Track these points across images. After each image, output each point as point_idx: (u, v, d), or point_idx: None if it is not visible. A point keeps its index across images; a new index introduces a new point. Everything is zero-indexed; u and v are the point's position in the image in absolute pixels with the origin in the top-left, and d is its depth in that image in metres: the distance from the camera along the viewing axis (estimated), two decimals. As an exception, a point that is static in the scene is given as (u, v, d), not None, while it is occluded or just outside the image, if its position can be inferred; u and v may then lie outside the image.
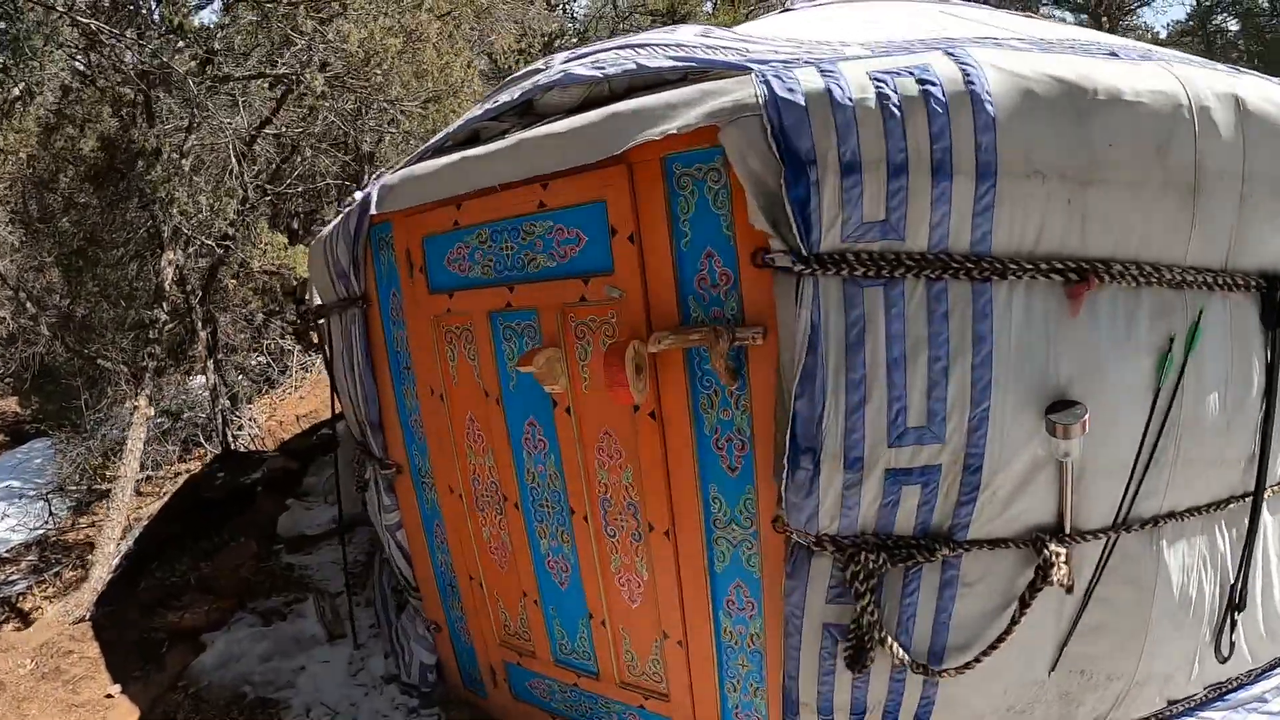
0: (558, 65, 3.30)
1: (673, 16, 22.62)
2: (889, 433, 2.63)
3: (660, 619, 3.26)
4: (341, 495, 5.21)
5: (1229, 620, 3.05)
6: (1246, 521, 2.95)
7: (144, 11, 8.05)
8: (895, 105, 2.46)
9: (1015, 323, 2.60)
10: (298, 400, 8.21)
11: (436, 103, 7.47)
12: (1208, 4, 23.24)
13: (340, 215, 4.02)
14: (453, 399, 3.60)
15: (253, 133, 7.55)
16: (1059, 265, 2.59)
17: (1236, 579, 2.99)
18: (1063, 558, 2.70)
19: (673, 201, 2.82)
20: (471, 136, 3.58)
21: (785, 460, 2.67)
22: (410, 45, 6.94)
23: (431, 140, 3.84)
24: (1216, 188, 2.62)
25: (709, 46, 2.99)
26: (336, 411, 6.74)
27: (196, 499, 6.44)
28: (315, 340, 4.78)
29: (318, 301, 5.22)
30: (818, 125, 2.47)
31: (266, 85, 7.69)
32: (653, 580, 3.22)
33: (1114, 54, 2.72)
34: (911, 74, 2.50)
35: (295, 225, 9.89)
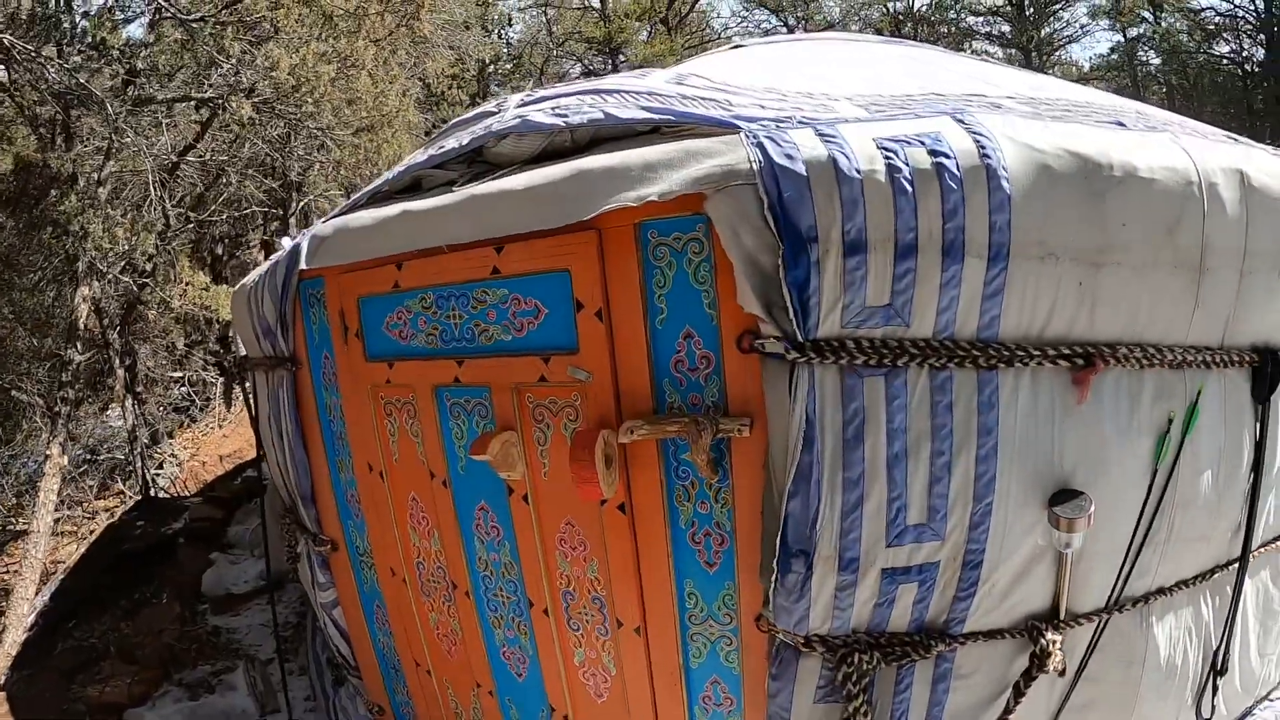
0: (513, 109, 2.73)
1: (609, 44, 22.04)
2: (887, 532, 2.21)
3: (630, 714, 2.74)
4: (269, 549, 4.50)
5: (1212, 684, 2.75)
6: (1229, 589, 2.64)
7: (66, 25, 6.98)
8: (907, 179, 2.02)
9: (1021, 412, 2.21)
10: (220, 439, 7.27)
11: (369, 132, 6.70)
12: (1133, 38, 23.98)
13: (266, 265, 3.33)
14: (393, 477, 2.99)
15: (175, 158, 6.61)
16: (1066, 350, 2.21)
17: (1219, 644, 2.69)
18: (1058, 644, 2.33)
19: (648, 274, 2.30)
20: (413, 184, 2.97)
21: (775, 563, 2.21)
22: (344, 71, 6.16)
23: (369, 186, 3.21)
24: (1220, 265, 2.29)
25: (685, 96, 2.48)
26: (262, 453, 5.92)
27: (116, 550, 5.56)
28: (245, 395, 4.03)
29: (241, 350, 4.47)
30: (821, 199, 2.01)
31: (192, 108, 6.75)
32: (621, 675, 2.70)
33: (1120, 123, 2.34)
34: (923, 144, 2.06)
35: (220, 251, 8.86)
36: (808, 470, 2.14)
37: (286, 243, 3.25)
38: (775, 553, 2.21)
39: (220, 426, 7.52)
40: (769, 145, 2.10)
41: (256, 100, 5.93)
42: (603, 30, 21.25)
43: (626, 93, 2.55)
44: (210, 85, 6.21)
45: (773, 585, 2.24)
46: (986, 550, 2.25)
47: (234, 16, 5.77)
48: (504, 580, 2.82)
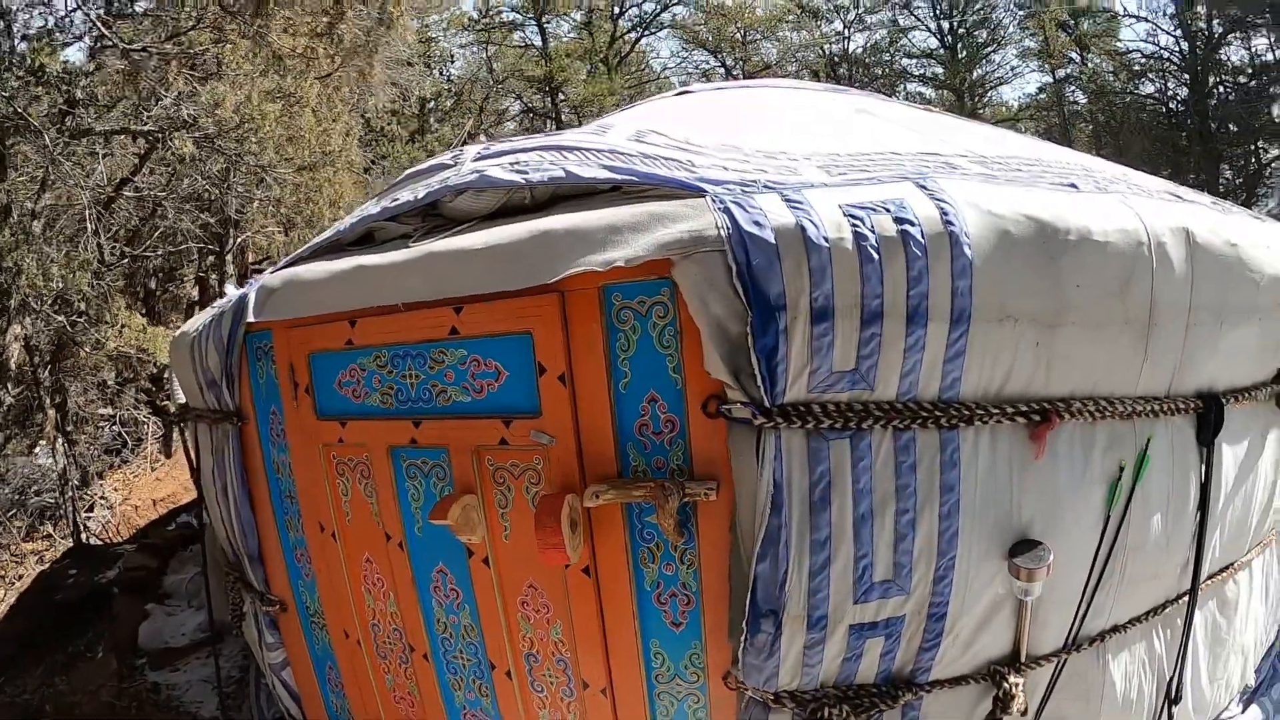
0: (469, 163, 2.65)
1: (549, 83, 21.94)
2: (854, 590, 2.21)
3: (596, 775, 2.67)
4: (211, 599, 4.29)
5: (1167, 712, 2.82)
6: (1180, 621, 2.72)
7: (4, 49, 6.57)
8: (873, 247, 2.03)
9: (981, 469, 2.24)
10: (154, 482, 6.85)
11: (310, 170, 6.48)
12: (1060, 79, 25.01)
13: (210, 314, 3.18)
14: (346, 537, 2.87)
15: (112, 191, 6.27)
16: (1024, 407, 2.24)
17: (1173, 675, 2.76)
18: (1020, 687, 2.36)
19: (611, 338, 2.26)
20: (366, 236, 2.87)
21: (744, 623, 2.18)
22: (288, 109, 5.95)
23: (320, 237, 3.09)
24: (1167, 320, 2.35)
25: (647, 156, 2.45)
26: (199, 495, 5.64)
27: (48, 601, 5.21)
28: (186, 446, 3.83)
29: (180, 397, 4.27)
30: (789, 267, 2.00)
31: (129, 140, 6.42)
32: (587, 736, 2.63)
33: (1073, 184, 2.39)
34: (888, 210, 2.07)
35: (154, 285, 8.44)
36: (776, 533, 2.12)
37: (231, 291, 3.11)
38: (744, 613, 2.18)
39: (153, 469, 7.12)
40: (736, 211, 2.08)
41: (197, 135, 5.67)
42: (543, 69, 21.23)
43: (587, 150, 2.50)
44: (150, 118, 5.90)
45: (741, 645, 2.22)
46: (950, 602, 2.26)
47: (177, 49, 5.52)
48: (464, 643, 2.73)
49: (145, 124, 5.80)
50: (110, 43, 5.44)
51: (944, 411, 2.17)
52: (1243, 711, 2.96)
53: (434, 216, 2.74)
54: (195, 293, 9.28)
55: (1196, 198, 2.78)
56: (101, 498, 6.58)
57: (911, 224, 2.07)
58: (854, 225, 2.06)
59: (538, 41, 22.89)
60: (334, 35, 5.33)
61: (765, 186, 2.23)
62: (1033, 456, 2.28)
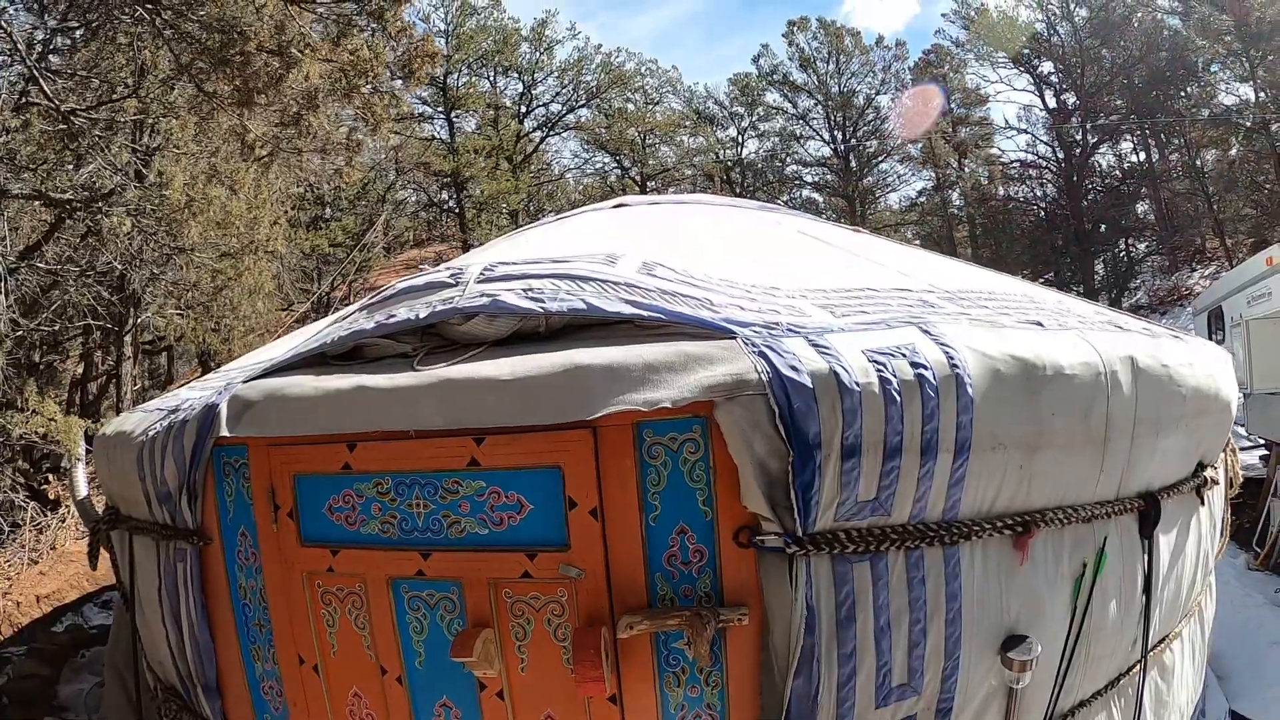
0: (474, 285, 2.64)
1: (456, 178, 21.68)
2: (875, 695, 2.44)
3: None
4: (111, 716, 3.88)
5: None
6: (1131, 690, 3.11)
7: None
8: (895, 390, 2.25)
9: (977, 577, 2.53)
10: (38, 576, 6.00)
11: (233, 258, 5.99)
12: (943, 183, 27.59)
13: (160, 419, 2.92)
14: (330, 671, 2.73)
15: (15, 261, 5.46)
16: (1010, 520, 2.54)
17: None
18: None
19: (643, 473, 2.33)
20: (353, 350, 2.76)
21: None
22: (225, 192, 5.48)
23: (302, 346, 2.93)
24: (1117, 435, 2.73)
25: (665, 292, 2.56)
26: (86, 592, 5.20)
27: (-75, 714, 4.46)
28: (100, 554, 3.46)
29: (81, 492, 3.85)
30: (825, 409, 2.19)
31: (40, 205, 5.63)
32: None
33: (1039, 323, 2.74)
34: (904, 356, 2.31)
35: (36, 359, 7.40)
36: (810, 651, 2.30)
37: (186, 394, 2.88)
38: None
39: (33, 560, 6.24)
40: (772, 356, 2.24)
41: (125, 209, 5.07)
42: (451, 163, 21.08)
43: (603, 281, 2.56)
44: (71, 186, 5.21)
45: None
46: (955, 697, 2.52)
47: (123, 118, 4.94)
48: (470, 776, 2.67)
49: (64, 191, 5.13)
50: (43, 104, 4.79)
51: (948, 530, 2.43)
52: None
53: (432, 335, 2.69)
54: (80, 369, 8.27)
55: (1130, 324, 3.24)
56: None
57: (925, 368, 2.31)
58: (879, 370, 2.27)
59: (445, 135, 22.90)
60: (301, 126, 4.99)
61: (789, 330, 2.40)
62: (1017, 562, 2.57)
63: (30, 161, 4.93)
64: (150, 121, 5.18)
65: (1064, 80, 26.25)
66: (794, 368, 2.23)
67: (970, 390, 2.36)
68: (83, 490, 3.76)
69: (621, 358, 2.29)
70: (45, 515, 6.62)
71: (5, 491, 6.45)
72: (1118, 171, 26.00)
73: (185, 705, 3.11)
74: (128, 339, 7.09)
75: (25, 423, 4.95)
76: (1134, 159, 25.99)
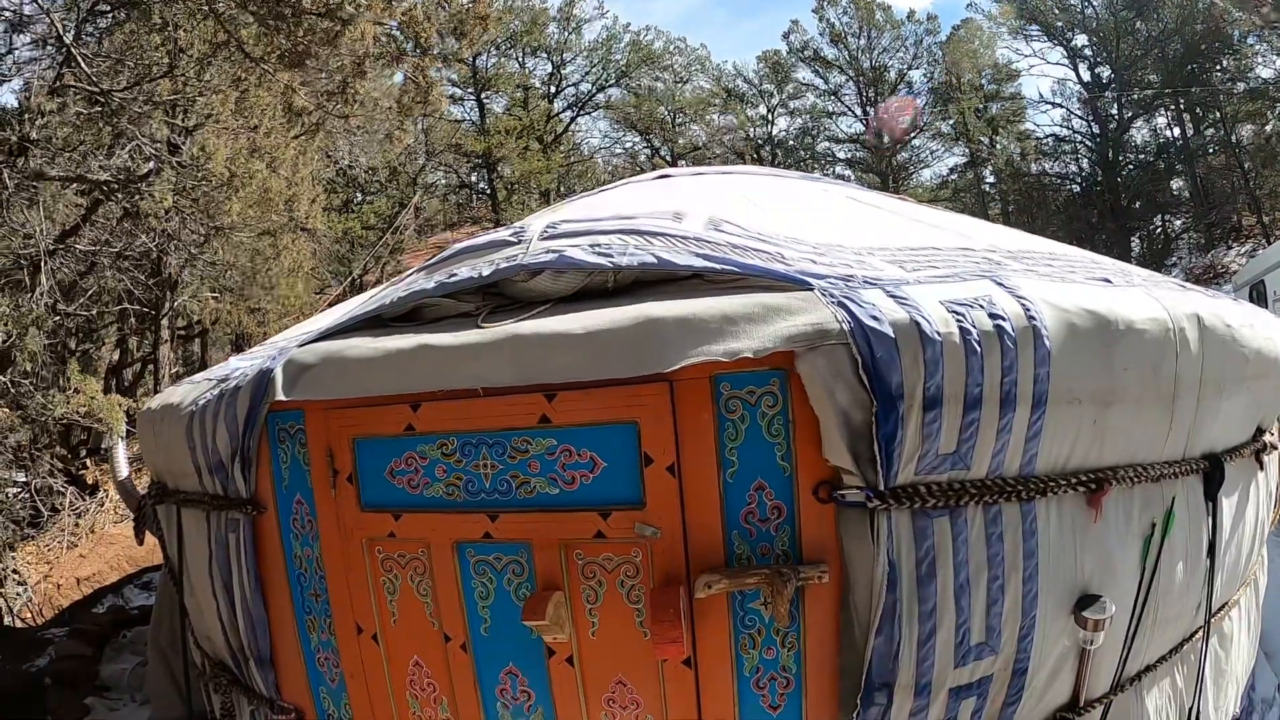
0: (538, 242, 2.58)
1: (487, 160, 21.62)
2: (955, 654, 2.39)
3: None
4: (154, 692, 3.81)
5: None
6: (1194, 656, 3.07)
7: None
8: (976, 341, 2.21)
9: (1052, 535, 2.48)
10: (78, 559, 5.92)
11: (272, 236, 5.91)
12: (977, 160, 27.23)
13: (210, 387, 2.86)
14: (389, 640, 2.66)
15: (54, 244, 5.38)
16: (1084, 477, 2.49)
17: (1192, 704, 3.11)
18: None
19: (720, 428, 2.27)
20: (411, 312, 2.70)
21: (859, 698, 2.28)
22: (267, 169, 5.40)
23: (358, 308, 2.86)
24: (1185, 394, 2.70)
25: (736, 246, 2.51)
26: (126, 574, 5.15)
27: (-28, 694, 4.37)
28: (147, 533, 3.38)
29: (121, 472, 3.76)
30: (908, 359, 2.15)
31: (76, 190, 5.52)
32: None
33: (1107, 280, 2.70)
34: (982, 307, 2.27)
35: (74, 346, 7.29)
36: (891, 609, 2.25)
37: (236, 363, 2.81)
38: (859, 687, 2.27)
39: (72, 544, 6.16)
40: (852, 306, 2.19)
41: (166, 188, 4.98)
42: (482, 144, 21.03)
43: (671, 236, 2.51)
44: (104, 165, 5.12)
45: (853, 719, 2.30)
46: (1031, 657, 2.47)
47: (160, 98, 4.86)
48: (535, 745, 2.61)
49: (101, 174, 5.04)
50: (75, 85, 4.71)
51: (1024, 485, 2.38)
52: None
53: (494, 295, 2.64)
54: (115, 356, 8.16)
55: (1191, 286, 3.21)
56: (13, 573, 5.60)
57: (1003, 319, 2.28)
58: (958, 320, 2.23)
59: (476, 117, 22.84)
60: (347, 94, 4.91)
61: (865, 282, 2.36)
62: (1090, 520, 2.53)
63: (67, 144, 4.85)
64: (188, 100, 5.09)
65: (1098, 53, 25.41)
66: (875, 317, 2.19)
67: (1047, 342, 2.32)
68: (124, 470, 3.68)
69: (698, 310, 2.24)
70: (84, 500, 6.57)
71: (44, 477, 6.38)
72: (1153, 146, 25.29)
73: (236, 680, 3.03)
74: (164, 322, 6.99)
75: (67, 402, 4.86)
76: (1168, 134, 25.31)
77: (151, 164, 5.01)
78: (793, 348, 2.16)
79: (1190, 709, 2.97)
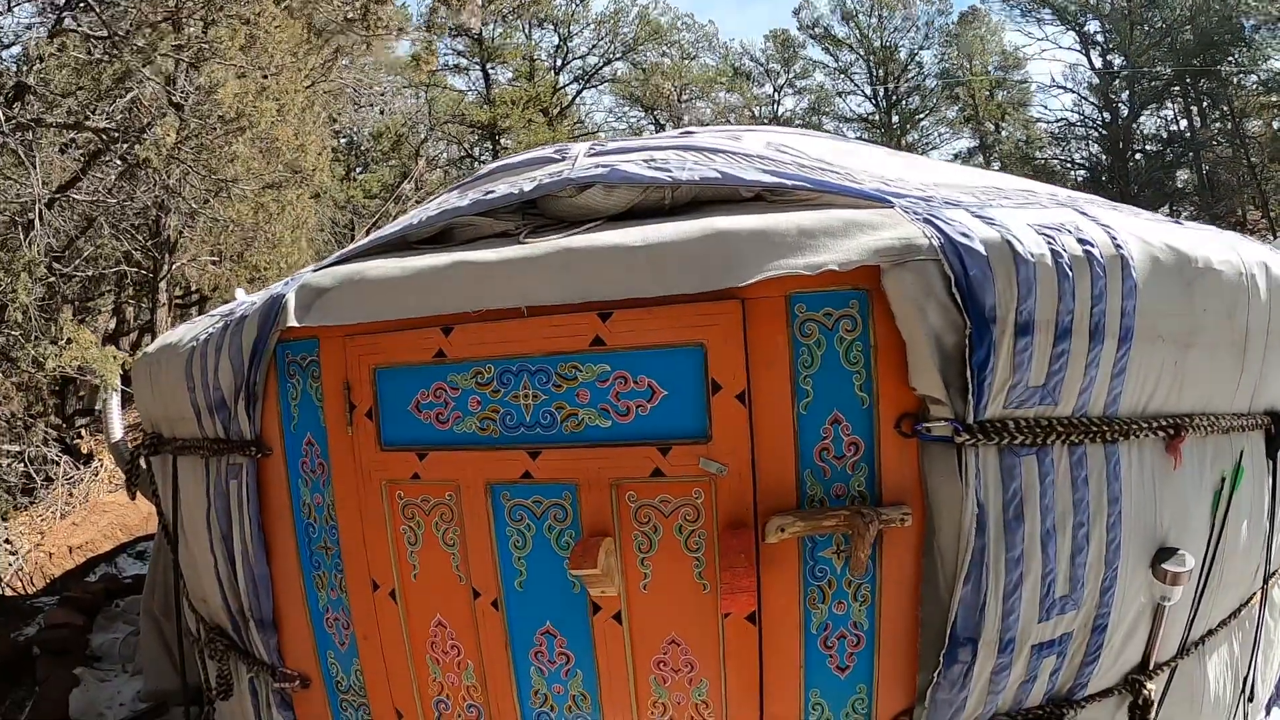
0: (585, 159, 2.32)
1: (492, 130, 21.11)
2: (1040, 606, 2.15)
3: None
4: (148, 663, 3.45)
5: (1243, 710, 2.97)
6: (1249, 623, 2.89)
7: None
8: (1067, 265, 2.03)
9: (1134, 481, 2.27)
10: (70, 527, 5.50)
11: (276, 190, 5.51)
12: (986, 144, 26.82)
13: (213, 322, 2.52)
14: (409, 597, 2.34)
15: (55, 194, 4.94)
16: (1163, 422, 2.29)
17: (1247, 672, 2.93)
18: (1155, 693, 2.38)
19: (794, 353, 2.02)
20: (439, 235, 2.41)
21: (942, 654, 2.04)
22: (274, 111, 5.01)
23: (381, 232, 2.56)
24: (1253, 344, 2.55)
25: (803, 165, 2.27)
26: (120, 542, 4.75)
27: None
28: (138, 491, 3.01)
29: (116, 434, 3.38)
30: (1001, 280, 1.93)
31: (74, 139, 5.10)
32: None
33: (1178, 221, 2.53)
34: (1070, 232, 2.06)
35: (69, 314, 6.83)
36: (980, 555, 2.01)
37: (242, 295, 2.48)
38: (943, 643, 2.03)
39: (63, 513, 5.75)
40: (939, 223, 1.98)
41: (175, 127, 4.59)
42: (487, 114, 20.57)
43: (733, 154, 2.27)
44: (104, 112, 4.72)
45: (935, 679, 2.05)
46: (1111, 613, 2.25)
47: (169, 32, 4.48)
48: (570, 716, 2.29)
49: (100, 119, 4.61)
50: (76, 29, 4.30)
51: (1109, 426, 2.17)
52: (1266, 715, 3.20)
53: (534, 215, 2.37)
54: (112, 325, 7.63)
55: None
56: (5, 543, 5.17)
57: (1092, 245, 2.09)
58: (1049, 243, 2.03)
59: (481, 87, 22.26)
60: (369, 19, 4.55)
61: (947, 203, 2.14)
62: (1168, 469, 2.34)
63: (66, 89, 4.45)
64: (197, 39, 4.71)
65: (1110, 39, 24.84)
66: (965, 234, 1.97)
67: (1135, 274, 2.12)
68: (118, 431, 3.32)
69: (772, 223, 2.00)
70: (78, 469, 6.13)
71: (37, 446, 5.95)
72: (1163, 134, 24.85)
73: (233, 645, 2.66)
74: (162, 285, 6.52)
75: (59, 354, 4.43)
76: (1176, 126, 24.80)
77: (155, 110, 4.63)
78: (880, 262, 1.93)
79: (1245, 678, 2.78)
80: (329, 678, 2.50)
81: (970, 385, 1.95)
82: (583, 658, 2.23)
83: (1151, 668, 2.42)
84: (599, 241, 2.05)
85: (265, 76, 5.01)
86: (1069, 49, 26.63)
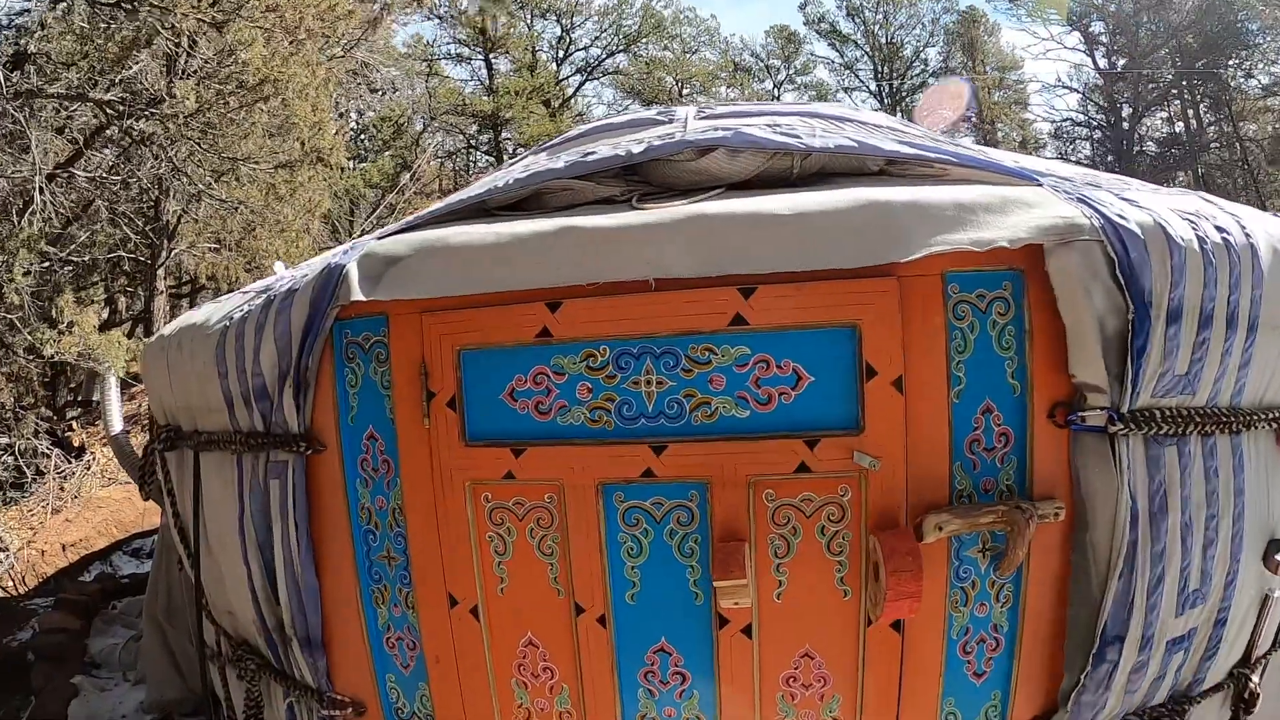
0: (695, 122, 2.08)
1: (495, 121, 20.03)
2: (1177, 601, 2.05)
3: None
4: (153, 673, 3.09)
5: None
6: None
7: None
8: (1211, 252, 1.94)
9: (1253, 473, 2.21)
10: (63, 524, 4.91)
11: (289, 170, 4.90)
12: (987, 140, 26.27)
13: (250, 300, 2.12)
14: (494, 614, 2.02)
15: (56, 170, 4.20)
16: (1276, 413, 2.26)
17: None
18: (1257, 686, 2.35)
19: (949, 337, 1.84)
20: (522, 202, 2.10)
21: (1092, 655, 1.93)
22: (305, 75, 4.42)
23: (455, 196, 2.22)
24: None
25: (933, 138, 2.10)
26: (115, 539, 4.59)
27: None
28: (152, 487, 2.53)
29: (115, 427, 2.85)
30: (1157, 265, 1.87)
31: (72, 116, 4.37)
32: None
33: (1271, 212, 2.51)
34: (1208, 219, 1.98)
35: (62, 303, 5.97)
36: (1132, 549, 1.90)
37: (281, 269, 2.09)
38: (1092, 643, 1.90)
39: (55, 508, 5.04)
40: (1093, 203, 1.86)
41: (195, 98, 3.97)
42: (489, 104, 19.59)
43: (863, 123, 2.08)
44: (115, 84, 4.04)
45: (1081, 681, 1.92)
46: (1232, 607, 2.20)
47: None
48: (681, 741, 2.03)
49: (105, 91, 3.91)
50: None
51: (1235, 417, 2.11)
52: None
53: (637, 182, 2.09)
54: (105, 314, 6.70)
55: None
56: None
57: (1229, 233, 2.02)
58: (1194, 228, 1.94)
59: (484, 76, 21.17)
60: None
61: (1087, 184, 2.03)
62: (1278, 460, 2.30)
63: (69, 58, 3.80)
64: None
65: (1114, 41, 24.64)
66: (1121, 216, 1.86)
67: (1262, 263, 2.08)
68: (117, 423, 2.83)
69: (927, 196, 1.82)
70: (70, 463, 5.47)
71: (28, 438, 5.39)
72: (1161, 135, 24.95)
73: (266, 664, 2.24)
74: (160, 272, 5.76)
75: (58, 339, 3.81)
76: (1172, 129, 24.85)
77: (171, 76, 4.05)
78: (1046, 240, 1.79)
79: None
80: (388, 705, 2.14)
81: (1128, 372, 1.83)
82: (701, 677, 1.98)
83: (1253, 661, 2.39)
84: (739, 208, 1.81)
85: (293, 42, 4.47)
86: (1073, 49, 26.43)
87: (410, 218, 2.18)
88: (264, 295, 2.08)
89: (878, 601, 1.84)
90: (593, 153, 2.07)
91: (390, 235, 2.07)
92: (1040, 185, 1.94)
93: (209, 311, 2.30)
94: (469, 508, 1.98)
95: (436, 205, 2.23)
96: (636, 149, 2.03)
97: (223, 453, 2.15)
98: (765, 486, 1.89)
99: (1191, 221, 1.99)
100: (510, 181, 2.09)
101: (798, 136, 2.01)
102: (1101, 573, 1.90)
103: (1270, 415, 2.24)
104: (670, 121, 2.16)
